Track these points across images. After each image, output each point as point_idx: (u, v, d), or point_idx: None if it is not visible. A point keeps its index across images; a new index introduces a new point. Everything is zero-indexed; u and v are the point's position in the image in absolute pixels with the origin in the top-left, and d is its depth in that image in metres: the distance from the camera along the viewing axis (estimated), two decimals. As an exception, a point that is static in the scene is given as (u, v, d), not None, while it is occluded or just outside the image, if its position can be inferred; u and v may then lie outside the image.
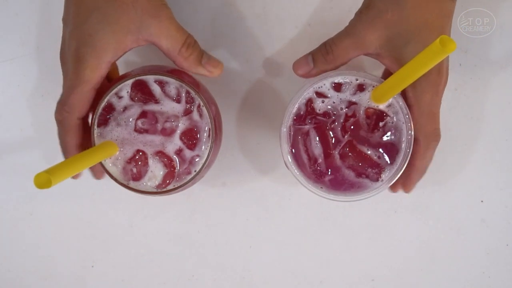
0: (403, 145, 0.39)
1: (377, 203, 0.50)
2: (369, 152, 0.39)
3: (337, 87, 0.40)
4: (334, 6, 0.50)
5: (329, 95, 0.40)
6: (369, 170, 0.39)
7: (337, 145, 0.39)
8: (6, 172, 0.52)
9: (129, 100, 0.41)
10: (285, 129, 0.40)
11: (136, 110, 0.41)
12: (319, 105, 0.40)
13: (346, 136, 0.39)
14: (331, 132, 0.39)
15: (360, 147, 0.39)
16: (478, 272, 0.51)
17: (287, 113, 0.40)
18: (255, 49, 0.51)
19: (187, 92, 0.41)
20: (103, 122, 0.41)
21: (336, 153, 0.39)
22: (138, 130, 0.41)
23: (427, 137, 0.39)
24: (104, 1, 0.39)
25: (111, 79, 0.45)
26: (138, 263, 0.52)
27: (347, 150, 0.39)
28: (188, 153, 0.41)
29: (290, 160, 0.40)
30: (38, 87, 0.52)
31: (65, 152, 0.42)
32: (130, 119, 0.41)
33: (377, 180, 0.39)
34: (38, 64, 0.52)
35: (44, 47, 0.52)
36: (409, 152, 0.39)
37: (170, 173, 0.41)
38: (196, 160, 0.41)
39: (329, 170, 0.39)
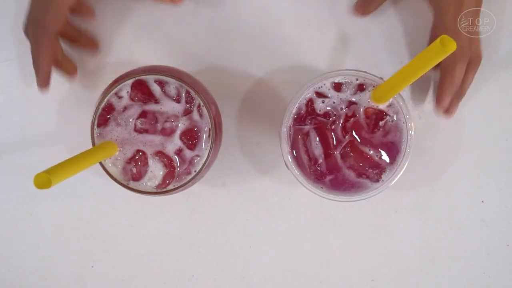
0: (403, 145, 0.39)
1: (377, 203, 0.50)
2: (369, 152, 0.39)
3: (337, 87, 0.40)
4: (334, 6, 0.50)
5: (329, 95, 0.40)
6: (370, 170, 0.39)
7: (338, 145, 0.39)
8: (6, 172, 0.52)
9: (129, 100, 0.41)
10: (285, 129, 0.40)
11: (136, 110, 0.41)
12: (319, 105, 0.40)
13: (346, 136, 0.39)
14: (331, 132, 0.39)
15: (360, 147, 0.39)
16: (478, 272, 0.51)
17: (287, 113, 0.40)
18: (255, 49, 0.51)
19: (187, 92, 0.41)
20: (103, 122, 0.41)
21: (336, 153, 0.39)
22: (138, 130, 0.41)
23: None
24: None
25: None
26: (138, 263, 0.52)
27: (348, 150, 0.39)
28: (188, 153, 0.41)
29: (290, 160, 0.40)
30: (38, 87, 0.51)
31: (38, 69, 0.44)
32: (130, 119, 0.41)
33: (377, 180, 0.39)
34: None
35: (44, 47, 0.52)
36: (409, 152, 0.39)
37: (170, 173, 0.41)
38: (196, 160, 0.41)
39: (329, 170, 0.39)
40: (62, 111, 0.51)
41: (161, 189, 0.41)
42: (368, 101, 0.39)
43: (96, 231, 0.52)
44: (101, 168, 0.41)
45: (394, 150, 0.39)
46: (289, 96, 0.50)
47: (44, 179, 0.32)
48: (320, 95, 0.40)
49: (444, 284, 0.51)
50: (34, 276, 0.52)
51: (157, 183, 0.41)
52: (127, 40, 0.51)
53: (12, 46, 0.51)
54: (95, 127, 0.41)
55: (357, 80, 0.40)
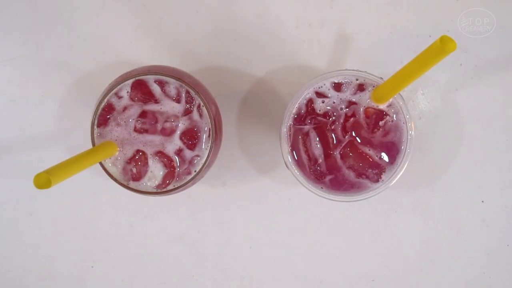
0: (403, 145, 0.39)
1: (377, 203, 0.50)
2: (369, 152, 0.39)
3: (337, 87, 0.40)
4: (334, 6, 0.50)
5: (329, 95, 0.40)
6: (370, 170, 0.39)
7: (338, 145, 0.39)
8: (6, 172, 0.52)
9: (129, 100, 0.41)
10: (285, 129, 0.40)
11: (136, 110, 0.41)
12: (319, 105, 0.40)
13: (346, 136, 0.39)
14: (331, 132, 0.39)
15: (360, 147, 0.39)
16: (478, 272, 0.51)
17: (287, 113, 0.40)
18: (255, 49, 0.51)
19: (187, 92, 0.41)
20: (103, 122, 0.41)
21: (336, 153, 0.39)
22: (138, 130, 0.41)
23: None
24: None
25: None
26: (138, 263, 0.52)
27: (348, 150, 0.39)
28: (188, 153, 0.41)
29: (290, 160, 0.40)
30: (38, 87, 0.52)
31: None
32: (130, 119, 0.41)
33: (377, 180, 0.39)
34: (38, 64, 0.52)
35: (44, 47, 0.52)
36: (409, 152, 0.39)
37: (170, 173, 0.41)
38: (196, 160, 0.41)
39: (329, 170, 0.39)
40: (62, 111, 0.51)
41: (161, 189, 0.41)
42: (368, 101, 0.39)
43: (96, 231, 0.52)
44: (101, 168, 0.41)
45: (394, 150, 0.39)
46: (289, 96, 0.50)
47: (44, 179, 0.32)
48: (320, 95, 0.40)
49: (444, 284, 0.51)
50: (34, 276, 0.52)
51: (157, 183, 0.41)
52: (127, 40, 0.51)
53: (12, 46, 0.51)
54: (95, 127, 0.41)
55: (357, 80, 0.40)
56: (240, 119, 0.51)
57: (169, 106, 0.41)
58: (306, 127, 0.40)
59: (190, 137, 0.41)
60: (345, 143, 0.39)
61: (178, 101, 0.41)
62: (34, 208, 0.52)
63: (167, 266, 0.52)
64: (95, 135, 0.41)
